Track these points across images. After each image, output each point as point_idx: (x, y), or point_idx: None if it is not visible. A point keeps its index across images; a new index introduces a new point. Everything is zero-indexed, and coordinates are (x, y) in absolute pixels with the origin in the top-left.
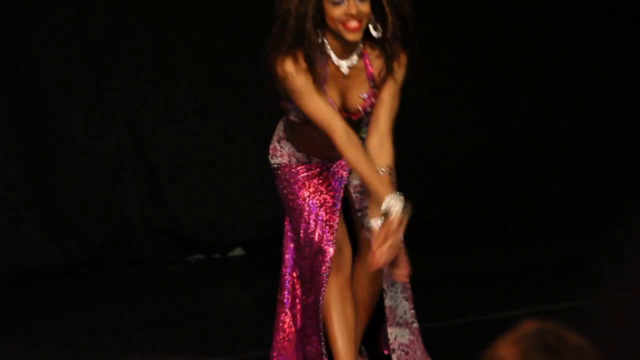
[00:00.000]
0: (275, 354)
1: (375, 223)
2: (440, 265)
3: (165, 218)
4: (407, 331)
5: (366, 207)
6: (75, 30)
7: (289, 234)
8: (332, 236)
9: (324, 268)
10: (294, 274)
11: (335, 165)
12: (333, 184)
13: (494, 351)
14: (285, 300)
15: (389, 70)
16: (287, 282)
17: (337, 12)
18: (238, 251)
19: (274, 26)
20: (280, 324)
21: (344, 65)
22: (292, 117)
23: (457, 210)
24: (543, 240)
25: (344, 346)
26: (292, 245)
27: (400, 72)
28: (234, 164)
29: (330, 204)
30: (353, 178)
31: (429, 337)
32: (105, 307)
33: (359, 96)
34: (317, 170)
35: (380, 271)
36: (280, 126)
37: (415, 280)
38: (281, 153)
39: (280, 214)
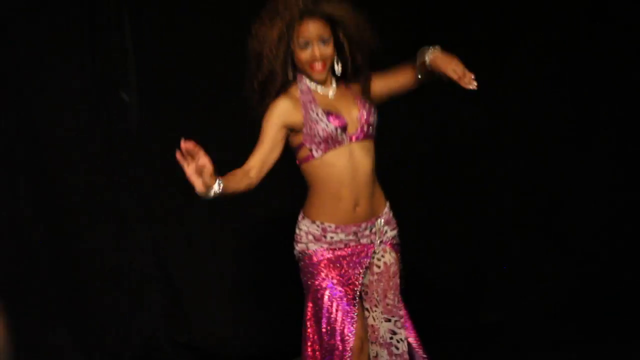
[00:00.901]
0: None
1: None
2: None
3: (187, 333)
4: None
5: (367, 309)
6: (102, 158)
7: (309, 330)
8: (352, 327)
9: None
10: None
11: (351, 258)
12: (352, 278)
13: None
14: None
15: (365, 89)
16: None
17: (304, 55)
18: None
19: (250, 68)
20: None
21: (329, 92)
22: (316, 154)
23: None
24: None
25: None
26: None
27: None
28: (248, 287)
29: (351, 297)
30: (364, 275)
31: None
32: None
33: (356, 105)
34: (340, 263)
35: None
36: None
37: None
38: (299, 237)
39: (290, 327)
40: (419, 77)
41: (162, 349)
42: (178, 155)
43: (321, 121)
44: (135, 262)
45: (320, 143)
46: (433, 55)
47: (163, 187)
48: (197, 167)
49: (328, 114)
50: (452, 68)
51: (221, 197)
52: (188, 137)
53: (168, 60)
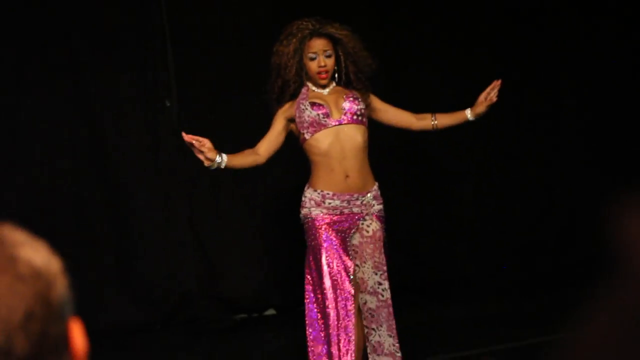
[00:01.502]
0: None
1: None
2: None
3: (217, 288)
4: (391, 359)
5: (357, 265)
6: (151, 149)
7: (308, 286)
8: (349, 277)
9: (348, 306)
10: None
11: (343, 224)
12: (344, 238)
13: None
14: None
15: (365, 97)
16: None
17: (313, 65)
18: (271, 311)
19: (271, 76)
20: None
21: (324, 91)
22: (307, 136)
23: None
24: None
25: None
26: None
27: (375, 98)
28: (265, 250)
29: (347, 253)
30: (352, 238)
31: None
32: (176, 352)
33: (343, 95)
34: (335, 226)
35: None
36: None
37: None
38: (304, 202)
39: (299, 281)
40: (434, 123)
41: (195, 300)
42: (187, 142)
43: (306, 109)
44: (174, 232)
45: (308, 127)
46: (473, 112)
47: (197, 172)
48: (198, 147)
49: (312, 104)
50: (489, 104)
51: (229, 168)
52: (206, 132)
53: (201, 77)
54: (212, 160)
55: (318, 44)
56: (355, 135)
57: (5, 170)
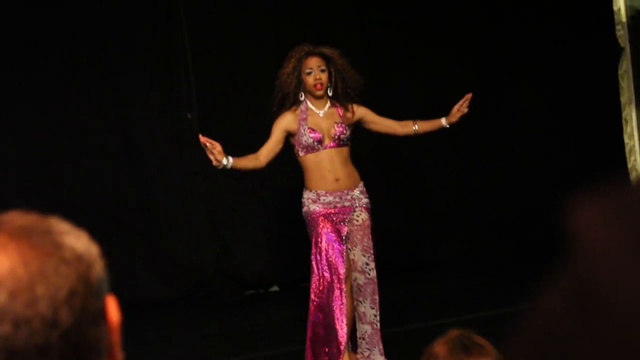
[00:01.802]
0: (309, 344)
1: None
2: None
3: (230, 268)
4: (369, 327)
5: (349, 249)
6: (174, 154)
7: (314, 264)
8: (342, 259)
9: (342, 283)
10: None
11: (338, 216)
12: (338, 227)
13: (430, 348)
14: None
15: (347, 110)
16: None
17: (309, 79)
18: (275, 288)
19: (274, 92)
20: (312, 321)
21: (320, 112)
22: (301, 154)
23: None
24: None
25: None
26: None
27: (361, 108)
28: (273, 236)
29: (340, 240)
30: (347, 225)
31: (385, 333)
32: (197, 322)
33: (334, 123)
34: (331, 218)
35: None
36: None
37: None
38: (303, 202)
39: (301, 265)
40: (415, 129)
41: (213, 278)
42: (202, 143)
43: (305, 134)
44: (195, 220)
45: (303, 148)
46: (448, 120)
47: (215, 172)
48: (210, 148)
49: (310, 129)
50: (461, 114)
51: (234, 169)
52: (220, 137)
53: (218, 92)
54: (220, 162)
55: (313, 62)
56: (341, 152)
57: (52, 170)
